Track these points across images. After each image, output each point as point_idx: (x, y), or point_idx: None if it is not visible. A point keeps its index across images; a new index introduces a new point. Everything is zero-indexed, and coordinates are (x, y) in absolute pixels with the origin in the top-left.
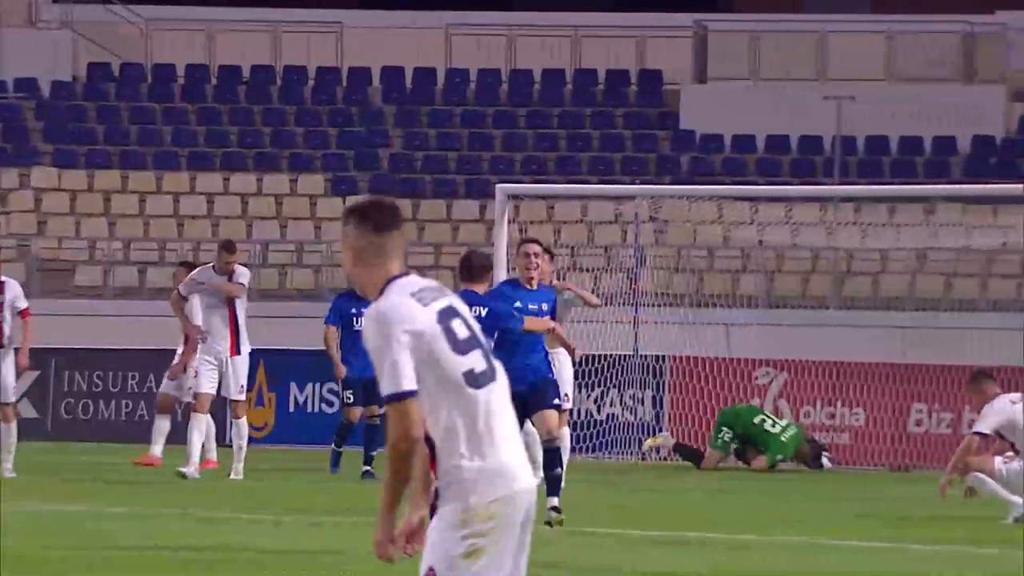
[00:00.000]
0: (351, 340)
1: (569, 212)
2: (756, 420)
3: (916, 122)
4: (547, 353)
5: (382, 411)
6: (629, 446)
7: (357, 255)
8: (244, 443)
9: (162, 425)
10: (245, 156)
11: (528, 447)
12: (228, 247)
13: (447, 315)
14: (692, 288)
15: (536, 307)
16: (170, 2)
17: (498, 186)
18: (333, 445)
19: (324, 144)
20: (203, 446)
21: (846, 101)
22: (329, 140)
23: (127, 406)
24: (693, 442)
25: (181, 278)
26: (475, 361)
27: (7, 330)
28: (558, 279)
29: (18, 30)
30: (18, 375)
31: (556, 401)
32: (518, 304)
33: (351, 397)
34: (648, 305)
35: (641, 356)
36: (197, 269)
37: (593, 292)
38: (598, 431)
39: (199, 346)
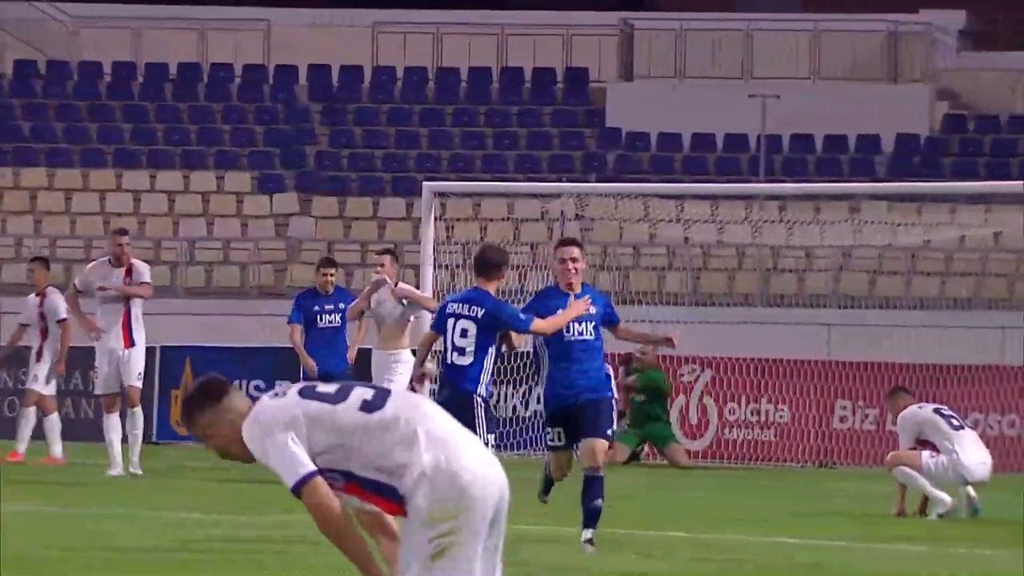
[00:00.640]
0: (315, 337)
1: (496, 210)
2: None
3: (841, 121)
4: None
5: None
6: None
7: (233, 415)
8: (140, 432)
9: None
10: (172, 154)
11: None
12: (120, 231)
13: (306, 389)
14: (618, 285)
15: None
16: (96, 0)
17: (425, 184)
18: None
19: (251, 142)
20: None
21: (771, 100)
22: (256, 138)
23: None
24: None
25: (39, 277)
26: (357, 398)
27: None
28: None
29: None
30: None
31: (609, 432)
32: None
33: None
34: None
35: None
36: (91, 264)
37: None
38: (524, 427)
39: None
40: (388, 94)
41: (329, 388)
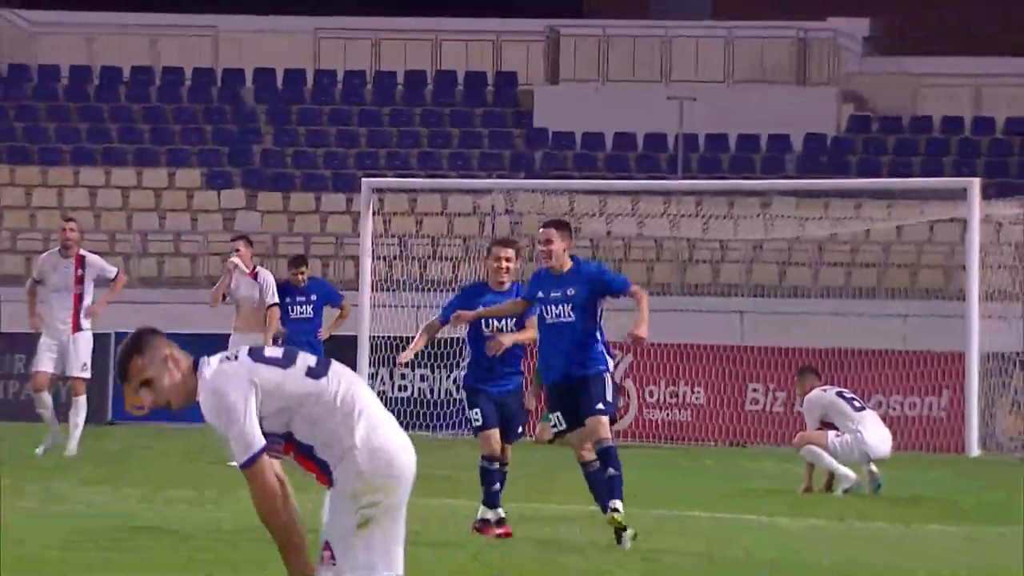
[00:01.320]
0: (288, 326)
1: (430, 205)
2: None
3: (753, 122)
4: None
5: None
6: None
7: (172, 358)
8: (81, 421)
9: None
10: (126, 152)
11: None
12: (67, 219)
13: (255, 352)
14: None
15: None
16: (54, 7)
17: (364, 180)
18: None
19: (200, 141)
20: None
21: (688, 102)
22: (205, 137)
23: (15, 386)
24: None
25: None
26: (303, 363)
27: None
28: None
29: None
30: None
31: (600, 406)
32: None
33: None
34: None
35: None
36: (43, 255)
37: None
38: (459, 408)
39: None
40: (329, 96)
41: (276, 352)
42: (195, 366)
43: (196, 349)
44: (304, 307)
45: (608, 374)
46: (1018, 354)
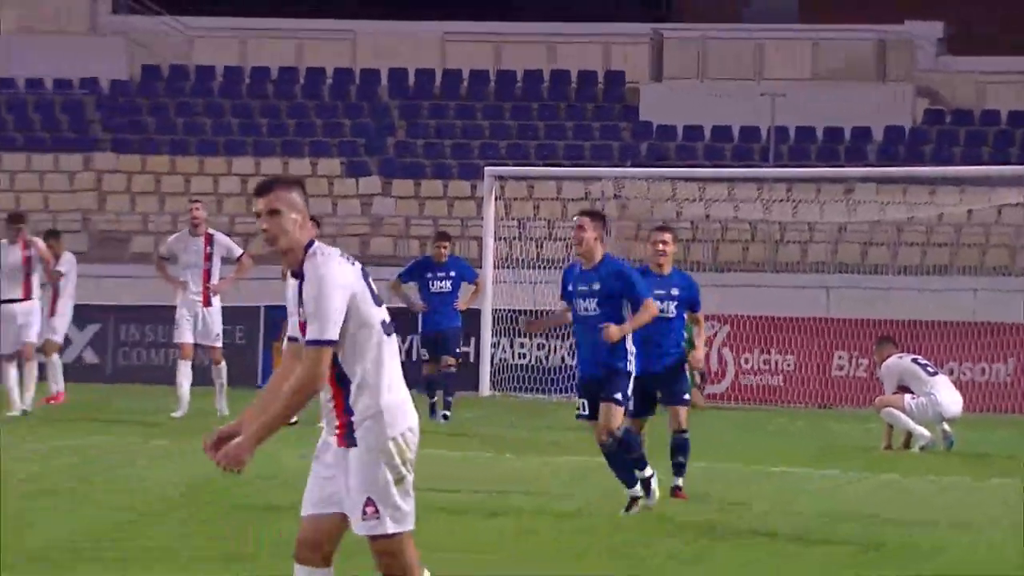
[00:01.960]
0: (427, 299)
1: (546, 191)
2: None
3: (837, 115)
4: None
5: (456, 362)
6: None
7: (304, 219)
8: (224, 381)
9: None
10: (273, 144)
11: None
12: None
13: (365, 275)
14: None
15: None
16: (210, 14)
17: (487, 168)
18: (428, 397)
19: (340, 133)
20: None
21: (779, 97)
22: (344, 130)
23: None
24: None
25: (51, 249)
26: (385, 313)
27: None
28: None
29: (82, 37)
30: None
31: (617, 396)
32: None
33: (427, 353)
34: None
35: None
36: (174, 235)
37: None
38: (571, 375)
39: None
40: (455, 93)
41: (374, 288)
42: (312, 242)
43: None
44: (444, 282)
45: (627, 372)
46: None
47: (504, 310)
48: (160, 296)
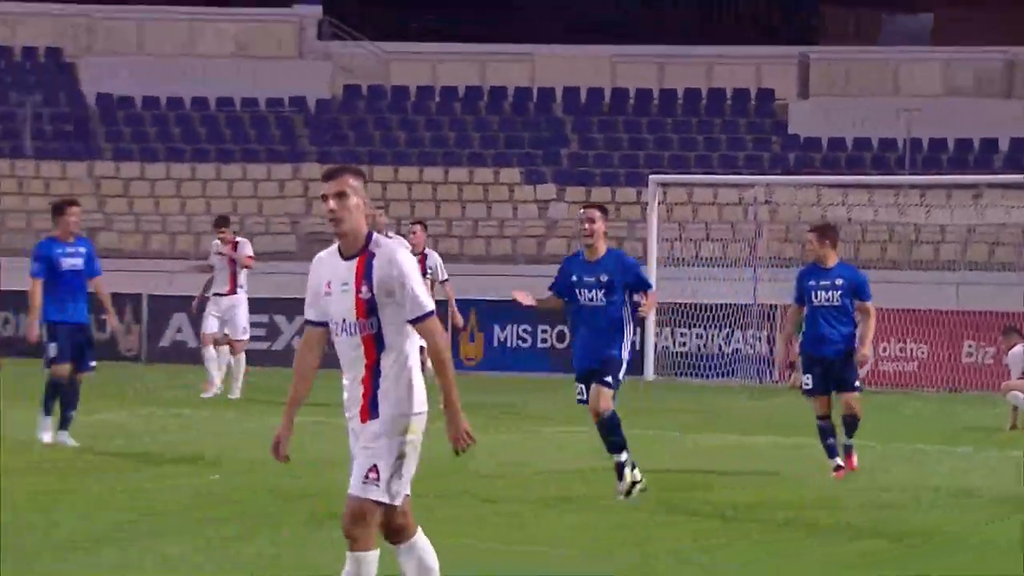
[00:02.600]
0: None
1: (704, 197)
2: None
3: (968, 128)
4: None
5: None
6: (749, 374)
7: (365, 206)
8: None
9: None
10: (460, 155)
11: None
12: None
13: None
14: (797, 253)
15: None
16: (404, 39)
17: (651, 176)
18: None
19: (519, 145)
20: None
21: (914, 112)
22: (523, 143)
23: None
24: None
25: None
26: None
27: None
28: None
29: (291, 61)
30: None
31: (608, 379)
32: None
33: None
34: (764, 266)
35: (759, 305)
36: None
37: (722, 257)
38: (726, 360)
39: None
40: (623, 109)
41: None
42: (370, 234)
43: (513, 312)
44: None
45: (624, 360)
46: None
47: (667, 303)
48: None
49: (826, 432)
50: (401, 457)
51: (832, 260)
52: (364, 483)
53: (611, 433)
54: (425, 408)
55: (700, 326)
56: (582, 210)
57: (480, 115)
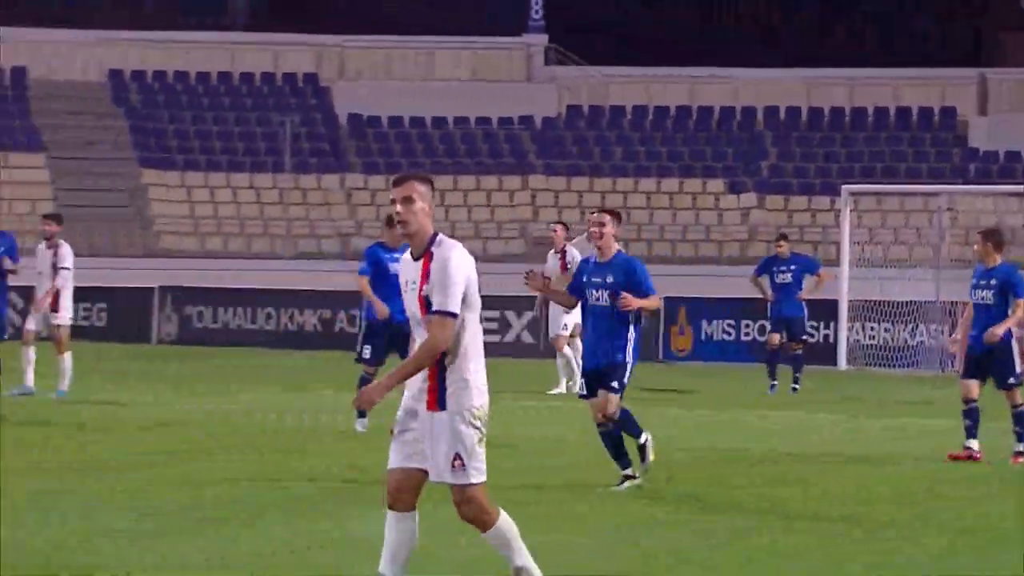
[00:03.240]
0: (775, 290)
1: (891, 204)
2: None
3: None
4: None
5: (800, 345)
6: (931, 364)
7: (431, 210)
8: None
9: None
10: (671, 167)
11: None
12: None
13: (474, 267)
14: (975, 256)
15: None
16: (622, 63)
17: (843, 186)
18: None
19: (724, 158)
20: None
21: None
22: (727, 155)
23: None
24: None
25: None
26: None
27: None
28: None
29: (520, 84)
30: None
31: (614, 384)
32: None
33: (776, 335)
34: (946, 267)
35: (940, 302)
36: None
37: (908, 259)
38: (911, 352)
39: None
40: (818, 126)
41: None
42: (435, 234)
43: (717, 308)
44: (785, 274)
45: (629, 363)
46: None
47: (857, 300)
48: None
49: (967, 415)
50: (474, 442)
51: (994, 261)
52: (452, 472)
53: (625, 427)
54: (486, 398)
55: (888, 321)
56: (594, 214)
57: (689, 132)
